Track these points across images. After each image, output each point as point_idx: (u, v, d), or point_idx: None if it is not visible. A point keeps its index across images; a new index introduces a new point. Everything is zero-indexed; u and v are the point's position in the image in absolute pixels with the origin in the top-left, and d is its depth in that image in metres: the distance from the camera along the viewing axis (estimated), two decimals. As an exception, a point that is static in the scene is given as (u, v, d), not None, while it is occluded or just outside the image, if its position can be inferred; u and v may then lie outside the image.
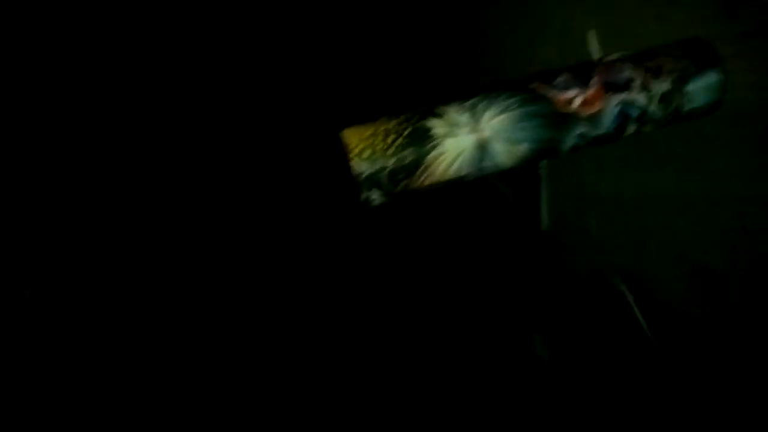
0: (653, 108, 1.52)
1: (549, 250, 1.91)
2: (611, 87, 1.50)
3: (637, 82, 1.51)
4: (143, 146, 1.69)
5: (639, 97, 1.51)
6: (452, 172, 1.48)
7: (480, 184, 1.86)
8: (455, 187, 1.55)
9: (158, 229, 1.72)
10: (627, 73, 1.51)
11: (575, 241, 2.12)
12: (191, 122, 1.65)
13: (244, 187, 1.60)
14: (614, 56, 1.55)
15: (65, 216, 1.74)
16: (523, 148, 1.49)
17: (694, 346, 1.90)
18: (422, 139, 1.45)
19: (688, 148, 2.00)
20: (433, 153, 1.45)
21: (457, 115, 1.46)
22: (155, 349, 1.73)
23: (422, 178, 1.47)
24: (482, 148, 1.47)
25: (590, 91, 1.49)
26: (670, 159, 2.04)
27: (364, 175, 1.44)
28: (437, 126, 1.45)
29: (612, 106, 1.50)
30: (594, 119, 1.50)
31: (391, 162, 1.45)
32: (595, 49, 1.69)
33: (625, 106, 1.50)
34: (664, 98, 1.52)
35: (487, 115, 1.46)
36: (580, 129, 1.50)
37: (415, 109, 1.47)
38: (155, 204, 1.70)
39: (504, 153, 1.48)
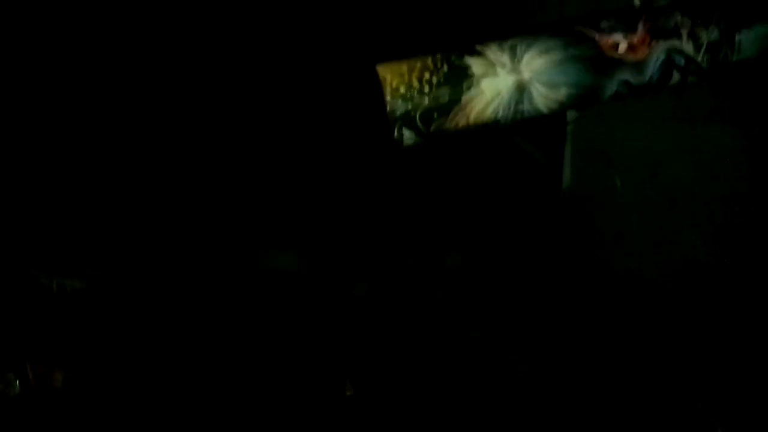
0: (700, 57, 1.46)
1: (570, 209, 1.87)
2: (658, 33, 1.45)
3: (685, 30, 1.45)
4: (174, 98, 1.64)
5: (686, 46, 1.45)
6: (488, 114, 1.43)
7: (505, 142, 1.82)
8: (486, 134, 1.51)
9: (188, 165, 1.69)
10: (675, 19, 1.45)
11: (599, 199, 2.08)
12: (222, 53, 1.60)
13: (275, 124, 1.56)
14: (663, 2, 1.49)
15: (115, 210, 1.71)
16: (562, 93, 1.44)
17: (719, 308, 1.88)
18: (459, 78, 1.40)
19: (719, 101, 1.94)
20: (470, 93, 1.41)
21: (496, 54, 1.41)
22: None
23: (456, 118, 1.42)
24: (521, 90, 1.42)
25: (636, 37, 1.43)
26: (700, 114, 1.98)
27: (398, 113, 1.40)
28: (475, 65, 1.40)
29: (657, 53, 1.45)
30: (638, 66, 1.45)
31: (426, 100, 1.40)
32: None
33: (672, 53, 1.45)
34: (712, 47, 1.46)
35: (528, 56, 1.41)
36: (624, 76, 1.45)
37: (453, 46, 1.42)
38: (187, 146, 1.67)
39: (543, 97, 1.43)
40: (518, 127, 1.74)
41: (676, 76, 1.48)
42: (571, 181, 1.86)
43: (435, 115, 1.41)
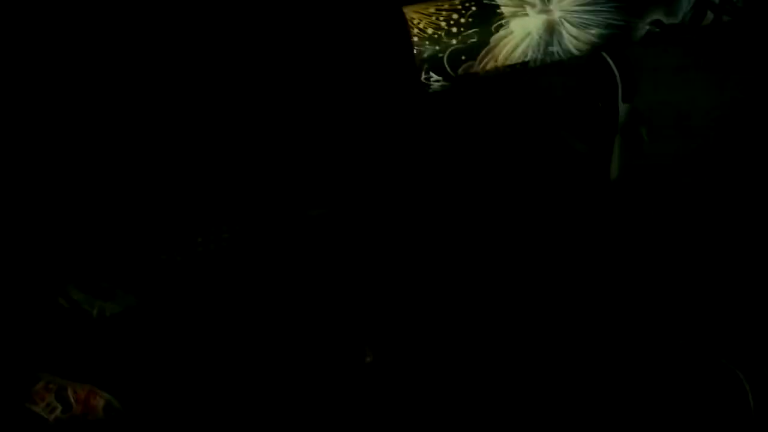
0: (736, -6, 1.42)
1: (616, 201, 1.83)
2: (691, -30, 1.41)
3: (720, -34, 1.41)
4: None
5: (721, -18, 1.41)
6: (517, 55, 1.40)
7: (548, 137, 1.78)
8: (517, 76, 1.48)
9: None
10: (709, -45, 1.41)
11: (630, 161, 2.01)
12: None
13: (298, 64, 1.54)
14: (696, -63, 1.45)
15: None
16: (593, 33, 1.41)
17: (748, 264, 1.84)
18: (488, 18, 1.37)
19: (749, 47, 1.89)
20: (499, 33, 1.38)
21: (526, -7, 1.38)
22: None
23: (485, 60, 1.40)
24: (551, 30, 1.39)
25: (669, -26, 1.40)
26: (729, 61, 1.93)
27: (424, 55, 1.38)
28: (505, 4, 1.38)
29: (691, -10, 1.41)
30: (671, 4, 1.41)
31: (453, 42, 1.37)
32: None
33: (706, -10, 1.41)
34: (749, -17, 1.42)
35: (558, -6, 1.38)
36: (655, 15, 1.41)
37: (482, -15, 1.39)
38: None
39: (573, 37, 1.41)
40: (563, 121, 1.72)
41: (710, 16, 1.44)
42: (619, 173, 1.81)
43: (463, 58, 1.39)
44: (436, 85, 1.42)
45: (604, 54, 1.57)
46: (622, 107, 1.67)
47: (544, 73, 1.62)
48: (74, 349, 1.62)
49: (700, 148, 1.99)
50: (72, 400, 1.54)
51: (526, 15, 1.37)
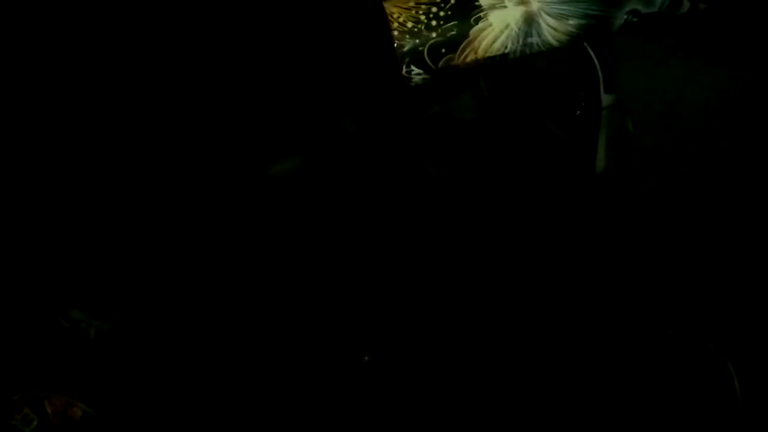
0: (711, -17, 1.44)
1: (603, 193, 1.85)
2: (667, -41, 1.43)
3: (695, -45, 1.43)
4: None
5: (696, -29, 1.43)
6: (497, 47, 1.42)
7: (534, 128, 1.80)
8: (498, 68, 1.49)
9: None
10: (685, -56, 1.43)
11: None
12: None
13: (282, 62, 1.55)
14: (672, -73, 1.46)
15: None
16: (571, 24, 1.42)
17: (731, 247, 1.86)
18: (467, 11, 1.39)
19: (729, 36, 1.91)
20: (478, 26, 1.40)
21: (504, -15, 1.39)
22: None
23: (465, 53, 1.42)
24: (529, 21, 1.40)
25: (645, -37, 1.42)
26: (710, 49, 1.94)
27: (405, 48, 1.39)
28: (483, -3, 1.39)
29: (667, -20, 1.43)
30: (647, -6, 1.43)
31: (433, 35, 1.39)
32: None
33: (682, -20, 1.43)
34: (723, -28, 1.44)
35: (536, -14, 1.40)
36: (633, 4, 1.43)
37: (460, -21, 1.40)
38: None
39: (552, 28, 1.42)
40: (548, 112, 1.73)
41: (686, 5, 1.46)
42: (605, 166, 1.83)
43: (443, 51, 1.40)
44: (417, 78, 1.44)
45: (586, 45, 1.59)
46: (605, 98, 1.69)
47: (525, 64, 1.64)
48: (54, 362, 1.61)
49: (686, 138, 2.01)
50: (49, 412, 1.54)
51: (505, 7, 1.39)
